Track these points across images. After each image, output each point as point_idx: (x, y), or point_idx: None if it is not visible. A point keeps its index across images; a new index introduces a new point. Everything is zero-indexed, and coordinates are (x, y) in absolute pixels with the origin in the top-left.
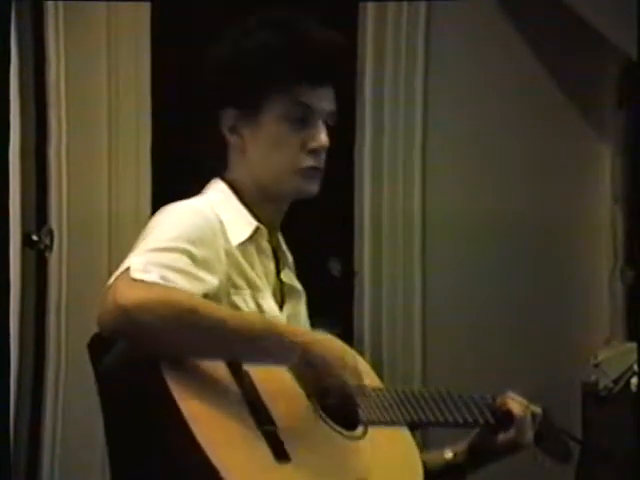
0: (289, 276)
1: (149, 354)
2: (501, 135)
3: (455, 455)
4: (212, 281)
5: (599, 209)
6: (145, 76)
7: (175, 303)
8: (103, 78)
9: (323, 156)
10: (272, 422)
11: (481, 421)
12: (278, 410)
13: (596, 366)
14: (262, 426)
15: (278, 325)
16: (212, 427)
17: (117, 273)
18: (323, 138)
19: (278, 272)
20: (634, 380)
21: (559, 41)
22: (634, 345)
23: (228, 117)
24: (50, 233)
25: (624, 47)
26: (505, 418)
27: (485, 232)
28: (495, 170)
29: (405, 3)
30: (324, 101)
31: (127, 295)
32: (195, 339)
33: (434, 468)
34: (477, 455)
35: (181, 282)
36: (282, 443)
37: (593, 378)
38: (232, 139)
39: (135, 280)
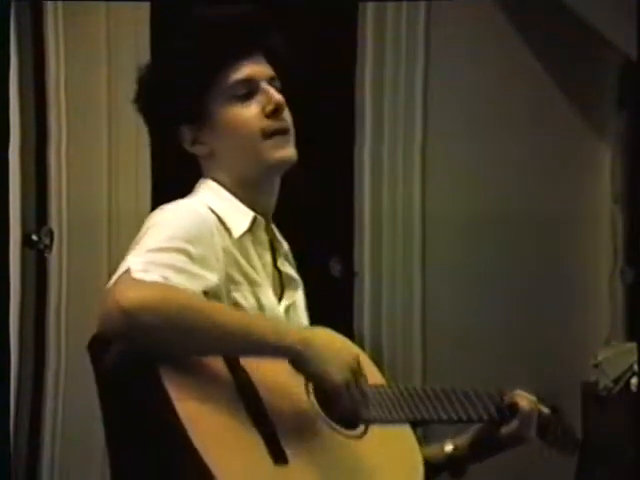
0: (286, 265)
1: (149, 355)
2: (501, 135)
3: (456, 448)
4: (212, 278)
5: (599, 209)
6: None
7: (177, 301)
8: (103, 78)
9: (286, 115)
10: (270, 423)
11: (485, 417)
12: (276, 410)
13: (596, 366)
14: (260, 427)
15: (277, 322)
16: (209, 430)
17: (117, 275)
18: (275, 97)
19: (275, 262)
20: (634, 380)
21: (559, 41)
22: (634, 345)
23: (186, 133)
24: (50, 233)
25: (624, 47)
26: (510, 412)
27: (485, 232)
28: (495, 170)
29: (405, 3)
30: (258, 68)
31: (129, 296)
32: (196, 337)
33: (435, 461)
34: (479, 448)
35: (181, 281)
36: (280, 445)
37: (593, 378)
38: (198, 150)
39: (136, 280)
